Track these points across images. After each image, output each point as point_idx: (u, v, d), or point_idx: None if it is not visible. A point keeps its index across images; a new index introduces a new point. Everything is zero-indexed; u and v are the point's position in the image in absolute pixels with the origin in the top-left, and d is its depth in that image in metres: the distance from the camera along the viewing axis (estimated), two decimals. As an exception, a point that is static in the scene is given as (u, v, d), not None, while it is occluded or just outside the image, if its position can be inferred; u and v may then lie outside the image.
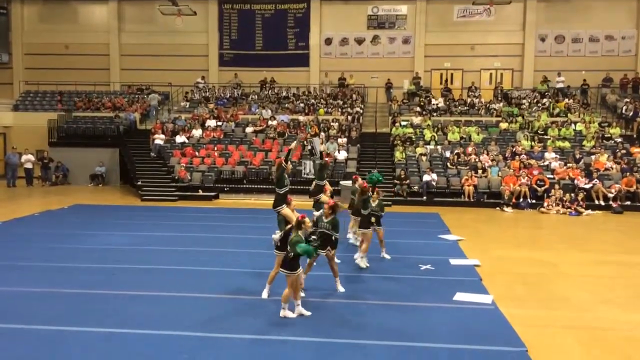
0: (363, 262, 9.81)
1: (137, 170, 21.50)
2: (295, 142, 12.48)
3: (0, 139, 27.15)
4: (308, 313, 7.15)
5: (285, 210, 9.13)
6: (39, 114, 26.15)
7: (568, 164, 19.65)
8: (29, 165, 23.75)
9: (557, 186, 18.29)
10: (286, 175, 9.33)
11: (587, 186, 18.34)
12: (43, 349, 6.07)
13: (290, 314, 7.09)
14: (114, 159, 24.14)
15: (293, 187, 11.55)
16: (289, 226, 7.70)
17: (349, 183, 18.58)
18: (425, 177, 19.29)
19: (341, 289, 8.30)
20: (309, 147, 20.25)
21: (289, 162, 9.58)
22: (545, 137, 22.18)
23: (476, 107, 25.29)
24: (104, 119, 25.17)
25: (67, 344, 6.22)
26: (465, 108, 25.32)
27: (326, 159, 12.68)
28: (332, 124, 23.30)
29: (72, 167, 24.42)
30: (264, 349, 6.11)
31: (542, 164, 19.98)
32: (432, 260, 10.27)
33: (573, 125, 23.01)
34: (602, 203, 18.05)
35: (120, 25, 29.91)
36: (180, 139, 22.82)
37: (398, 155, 21.23)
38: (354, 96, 26.55)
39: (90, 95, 27.84)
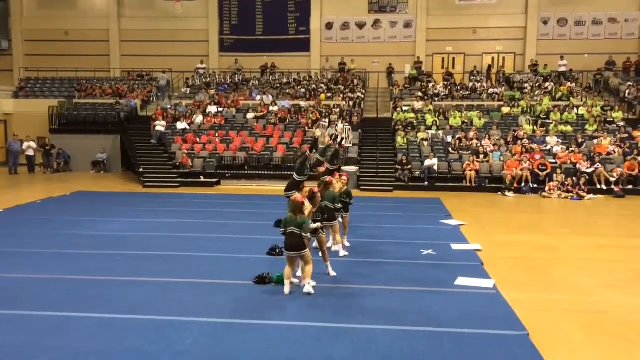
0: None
1: (138, 156, 21.49)
2: (318, 129, 12.36)
3: (1, 126, 27.13)
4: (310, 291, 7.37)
5: (296, 195, 9.15)
6: (39, 101, 26.10)
7: (570, 148, 19.60)
8: (30, 153, 23.77)
9: (559, 170, 18.26)
10: (308, 165, 9.28)
11: (589, 170, 18.30)
12: (46, 335, 6.09)
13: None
14: (115, 146, 24.15)
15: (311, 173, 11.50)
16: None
17: (348, 169, 18.52)
18: (427, 162, 19.26)
19: (333, 273, 8.33)
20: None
21: (314, 152, 9.52)
22: (548, 121, 22.10)
23: (478, 92, 25.16)
24: (104, 106, 25.16)
25: (69, 330, 6.25)
26: (467, 92, 25.19)
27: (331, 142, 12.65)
28: (333, 109, 23.22)
29: (73, 154, 24.45)
30: (265, 334, 6.12)
31: (544, 149, 19.91)
32: (434, 245, 10.28)
33: (575, 109, 22.89)
34: (604, 187, 18.03)
35: (120, 10, 29.74)
36: (181, 125, 22.78)
37: (399, 140, 21.18)
38: (355, 81, 26.41)
39: (91, 81, 27.78)
